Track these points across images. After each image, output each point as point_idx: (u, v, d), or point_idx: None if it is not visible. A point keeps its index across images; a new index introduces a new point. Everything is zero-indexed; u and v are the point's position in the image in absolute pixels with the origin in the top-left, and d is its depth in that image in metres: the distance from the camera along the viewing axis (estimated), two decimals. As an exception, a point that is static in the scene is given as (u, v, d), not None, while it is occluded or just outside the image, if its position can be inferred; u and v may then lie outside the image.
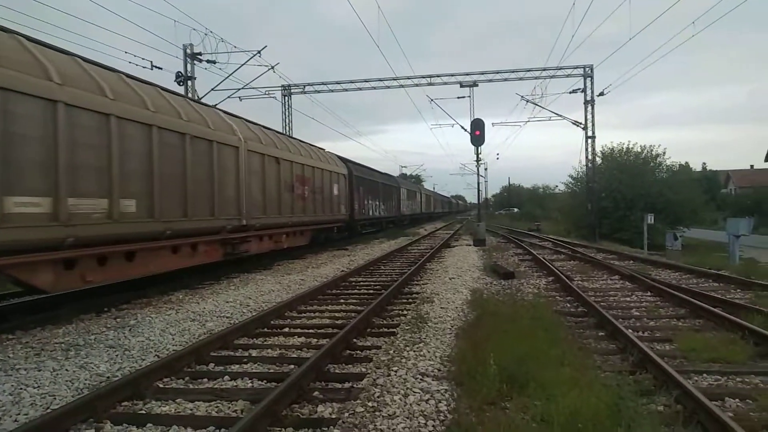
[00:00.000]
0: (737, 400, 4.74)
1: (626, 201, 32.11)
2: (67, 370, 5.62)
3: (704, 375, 5.43)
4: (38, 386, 5.12)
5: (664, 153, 35.03)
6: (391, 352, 6.07)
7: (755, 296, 9.48)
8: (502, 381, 4.70)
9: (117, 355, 6.18)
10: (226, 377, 5.44)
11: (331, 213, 20.57)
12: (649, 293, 10.22)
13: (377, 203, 30.73)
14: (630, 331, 6.90)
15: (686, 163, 53.64)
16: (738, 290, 10.46)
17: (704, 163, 77.46)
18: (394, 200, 37.43)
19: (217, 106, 15.54)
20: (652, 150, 35.08)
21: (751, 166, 68.58)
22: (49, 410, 4.51)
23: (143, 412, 4.57)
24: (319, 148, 21.43)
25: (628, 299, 9.78)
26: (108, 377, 5.45)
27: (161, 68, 19.44)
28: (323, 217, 19.41)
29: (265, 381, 5.35)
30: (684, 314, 8.29)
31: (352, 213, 24.11)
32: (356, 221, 25.37)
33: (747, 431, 3.73)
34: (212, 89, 24.02)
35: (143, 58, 20.10)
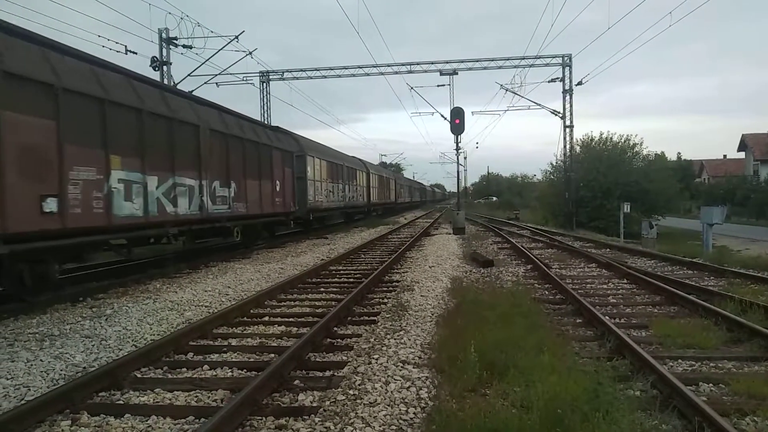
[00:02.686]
0: (711, 384, 4.84)
1: (603, 190, 32.48)
2: (41, 360, 5.51)
3: (679, 360, 5.54)
4: (11, 377, 5.01)
5: (641, 143, 35.52)
6: (372, 340, 6.07)
7: (728, 283, 9.68)
8: (482, 368, 4.74)
9: (93, 345, 6.08)
10: (206, 366, 5.39)
11: None
12: (625, 281, 10.37)
13: (205, 181, 12.19)
14: (607, 317, 7.00)
15: (662, 152, 54.42)
16: (711, 277, 10.67)
17: (679, 153, 78.45)
18: (286, 184, 17.64)
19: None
20: (629, 140, 35.54)
21: (724, 156, 69.82)
22: (23, 401, 4.42)
23: (121, 402, 4.51)
24: None
25: (604, 286, 9.91)
26: (84, 367, 5.36)
27: (136, 53, 18.94)
28: None
29: (245, 370, 5.31)
30: (659, 301, 8.44)
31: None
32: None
33: (720, 415, 3.82)
34: (189, 75, 23.61)
35: (117, 42, 19.52)
